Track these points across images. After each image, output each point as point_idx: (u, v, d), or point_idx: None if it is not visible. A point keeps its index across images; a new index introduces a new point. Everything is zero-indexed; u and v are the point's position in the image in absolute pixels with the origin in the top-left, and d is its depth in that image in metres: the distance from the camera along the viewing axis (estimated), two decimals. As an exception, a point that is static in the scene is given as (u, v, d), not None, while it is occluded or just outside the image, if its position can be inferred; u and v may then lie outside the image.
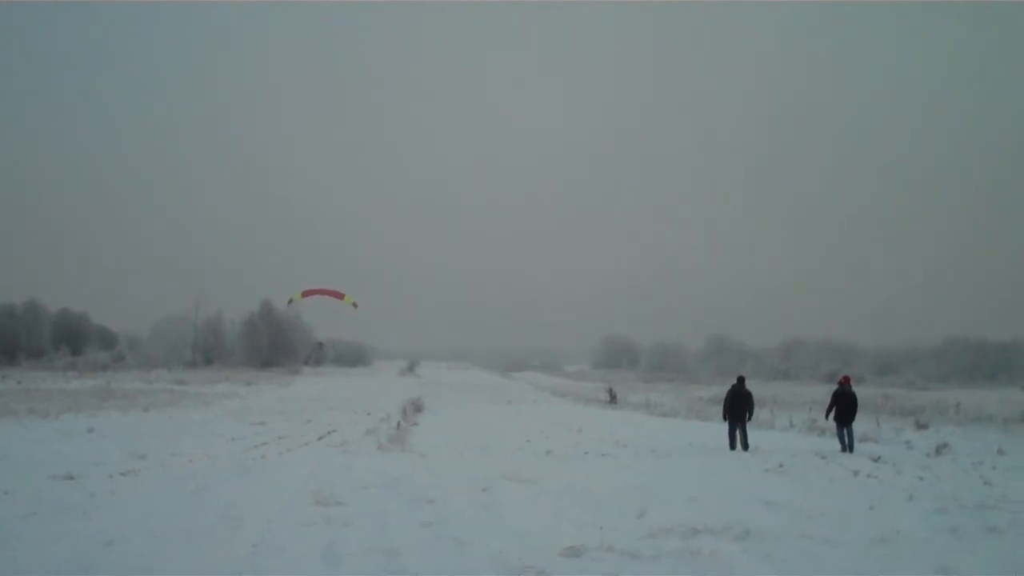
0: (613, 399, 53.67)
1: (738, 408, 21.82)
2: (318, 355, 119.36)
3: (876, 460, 18.19)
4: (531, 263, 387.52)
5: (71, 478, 13.43)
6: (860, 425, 26.34)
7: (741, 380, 22.51)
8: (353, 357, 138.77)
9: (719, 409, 23.32)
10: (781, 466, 16.92)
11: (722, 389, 27.79)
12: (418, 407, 42.31)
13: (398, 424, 29.46)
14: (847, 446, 21.21)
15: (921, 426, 28.42)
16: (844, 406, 21.48)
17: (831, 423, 22.34)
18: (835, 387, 22.22)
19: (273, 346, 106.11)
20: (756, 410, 23.29)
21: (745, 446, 21.47)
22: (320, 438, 23.55)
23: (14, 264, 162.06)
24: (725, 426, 22.31)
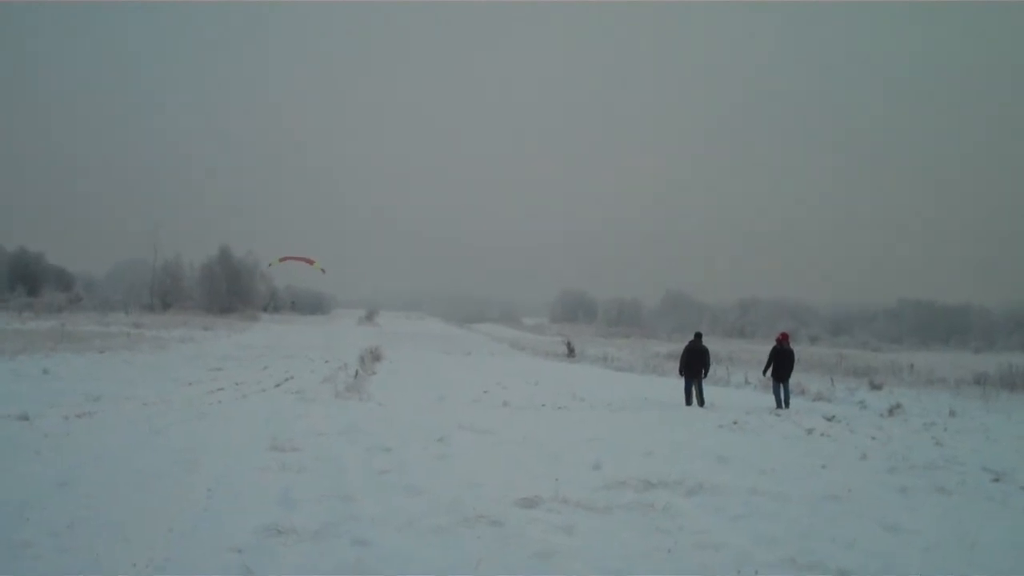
0: (571, 352, 53.93)
1: (694, 364, 21.97)
2: (276, 304, 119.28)
3: (830, 419, 18.41)
4: (490, 214, 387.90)
5: (25, 418, 13.29)
6: (815, 384, 26.68)
7: (698, 336, 22.67)
8: (312, 305, 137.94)
9: (676, 364, 23.49)
10: (735, 422, 17.06)
11: (679, 345, 28.00)
12: (376, 356, 42.20)
13: (356, 372, 29.40)
14: (783, 402, 21.40)
15: (875, 387, 28.84)
16: (781, 363, 21.63)
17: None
18: (774, 344, 22.35)
19: (231, 292, 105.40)
20: (712, 366, 23.49)
21: (701, 402, 21.65)
22: (277, 385, 23.48)
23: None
24: (681, 381, 22.48)
